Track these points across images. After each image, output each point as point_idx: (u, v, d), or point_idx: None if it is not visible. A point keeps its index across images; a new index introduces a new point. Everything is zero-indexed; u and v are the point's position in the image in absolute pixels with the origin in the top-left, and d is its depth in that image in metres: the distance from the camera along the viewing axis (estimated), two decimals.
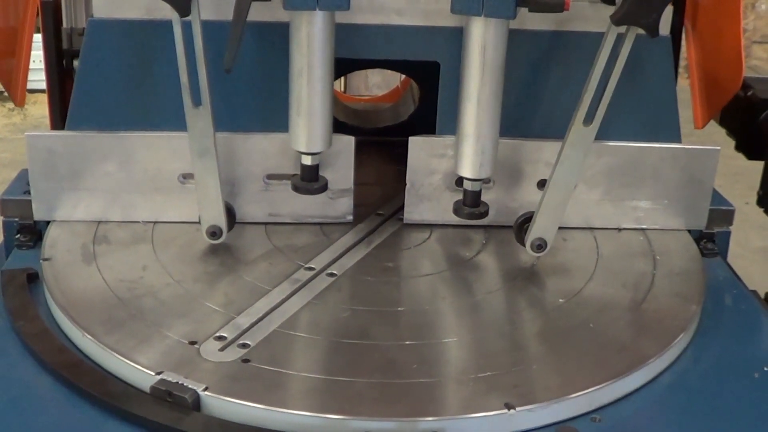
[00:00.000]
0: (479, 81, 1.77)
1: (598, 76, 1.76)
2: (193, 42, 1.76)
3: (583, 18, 1.91)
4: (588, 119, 1.79)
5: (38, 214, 1.98)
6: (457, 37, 1.82)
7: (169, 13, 1.74)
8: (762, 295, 2.02)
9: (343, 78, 5.45)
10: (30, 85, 2.20)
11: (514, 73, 1.88)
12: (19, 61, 2.17)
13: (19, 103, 2.23)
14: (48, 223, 1.98)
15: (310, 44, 1.75)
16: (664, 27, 1.95)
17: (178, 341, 1.60)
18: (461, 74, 1.80)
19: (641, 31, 1.72)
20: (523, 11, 1.74)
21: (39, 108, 6.27)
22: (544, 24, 1.92)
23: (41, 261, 1.84)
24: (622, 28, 1.72)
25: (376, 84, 6.14)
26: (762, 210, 2.26)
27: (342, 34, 1.81)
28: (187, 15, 1.73)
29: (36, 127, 6.30)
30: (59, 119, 2.21)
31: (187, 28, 1.75)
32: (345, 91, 5.36)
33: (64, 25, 2.22)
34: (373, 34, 1.92)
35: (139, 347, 1.58)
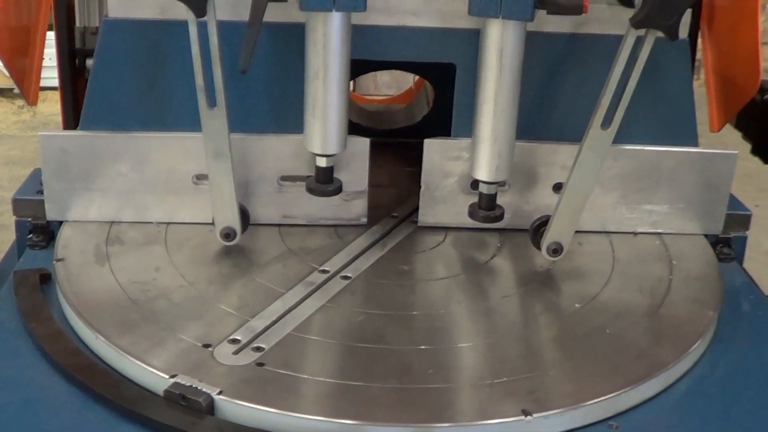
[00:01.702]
0: (496, 83, 1.76)
1: (617, 79, 1.74)
2: (208, 42, 1.75)
3: (601, 20, 1.90)
4: (606, 122, 1.78)
5: (51, 214, 1.97)
6: (473, 39, 1.81)
7: (183, 13, 1.73)
8: None
9: None
10: (44, 83, 2.19)
11: (530, 76, 1.87)
12: (32, 59, 2.16)
13: (32, 101, 2.22)
14: (61, 223, 1.97)
15: (326, 45, 1.74)
16: (683, 30, 1.94)
17: (192, 344, 1.59)
18: (478, 76, 1.78)
19: (660, 34, 1.71)
20: (541, 13, 1.73)
21: (48, 105, 6.27)
22: (561, 26, 1.91)
23: (54, 261, 1.84)
24: (642, 31, 1.71)
25: (386, 83, 6.12)
26: None
27: (358, 35, 1.80)
28: (203, 15, 1.72)
29: (45, 125, 6.31)
30: (71, 118, 2.20)
31: (202, 28, 1.74)
32: (354, 91, 5.35)
33: (77, 23, 2.21)
34: (389, 36, 1.91)
35: (152, 350, 1.57)
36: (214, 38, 1.74)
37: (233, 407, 1.46)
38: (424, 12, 1.90)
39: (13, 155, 5.87)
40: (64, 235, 1.93)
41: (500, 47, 1.73)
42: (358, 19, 1.78)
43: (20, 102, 6.83)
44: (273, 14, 1.76)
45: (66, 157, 1.93)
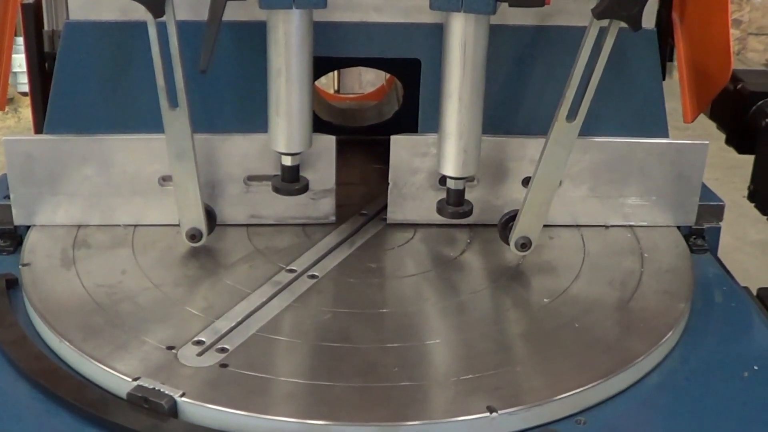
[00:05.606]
0: (460, 78, 1.74)
1: (581, 71, 1.73)
2: (168, 43, 1.73)
3: (565, 12, 1.89)
4: (571, 115, 1.76)
5: (18, 219, 1.96)
6: (437, 34, 1.80)
7: (144, 14, 1.71)
8: (754, 291, 1.99)
9: (336, 76, 5.42)
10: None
11: (496, 70, 1.86)
12: (0, 65, 2.14)
13: (0, 107, 2.20)
14: (28, 227, 1.96)
15: (288, 43, 1.72)
16: (649, 20, 1.93)
17: (156, 346, 1.58)
18: (442, 71, 1.77)
19: (624, 25, 1.69)
20: (506, 6, 1.71)
21: None
22: (526, 19, 1.89)
23: (20, 266, 1.82)
24: (605, 22, 1.70)
25: (370, 81, 6.09)
26: (754, 205, 2.23)
27: (320, 32, 1.79)
28: (162, 16, 1.71)
29: (30, 130, 6.28)
30: (42, 123, 2.18)
31: (162, 28, 1.72)
32: (338, 89, 5.33)
33: (45, 27, 2.19)
34: (352, 32, 1.90)
35: (116, 353, 1.56)
36: (174, 38, 1.72)
37: (196, 409, 1.45)
38: (387, 7, 1.88)
39: None
40: (31, 239, 1.92)
41: (463, 41, 1.72)
42: (321, 15, 1.77)
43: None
44: (235, 13, 1.76)
45: (31, 162, 1.92)
